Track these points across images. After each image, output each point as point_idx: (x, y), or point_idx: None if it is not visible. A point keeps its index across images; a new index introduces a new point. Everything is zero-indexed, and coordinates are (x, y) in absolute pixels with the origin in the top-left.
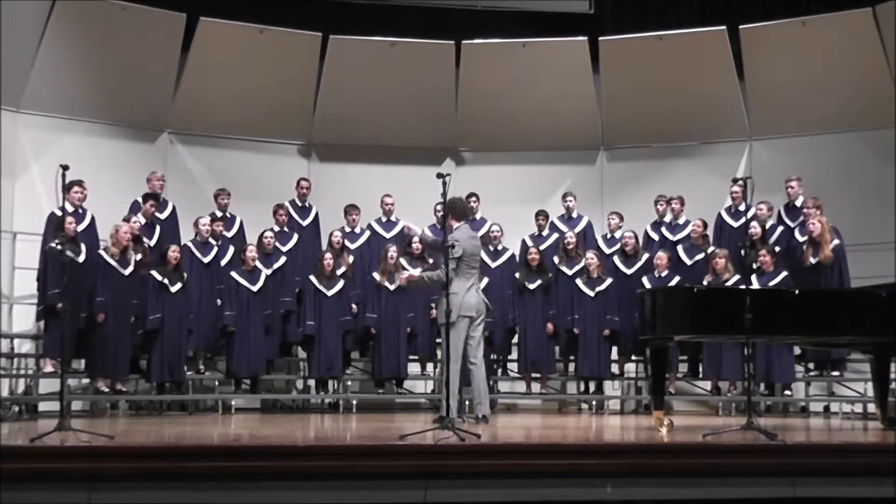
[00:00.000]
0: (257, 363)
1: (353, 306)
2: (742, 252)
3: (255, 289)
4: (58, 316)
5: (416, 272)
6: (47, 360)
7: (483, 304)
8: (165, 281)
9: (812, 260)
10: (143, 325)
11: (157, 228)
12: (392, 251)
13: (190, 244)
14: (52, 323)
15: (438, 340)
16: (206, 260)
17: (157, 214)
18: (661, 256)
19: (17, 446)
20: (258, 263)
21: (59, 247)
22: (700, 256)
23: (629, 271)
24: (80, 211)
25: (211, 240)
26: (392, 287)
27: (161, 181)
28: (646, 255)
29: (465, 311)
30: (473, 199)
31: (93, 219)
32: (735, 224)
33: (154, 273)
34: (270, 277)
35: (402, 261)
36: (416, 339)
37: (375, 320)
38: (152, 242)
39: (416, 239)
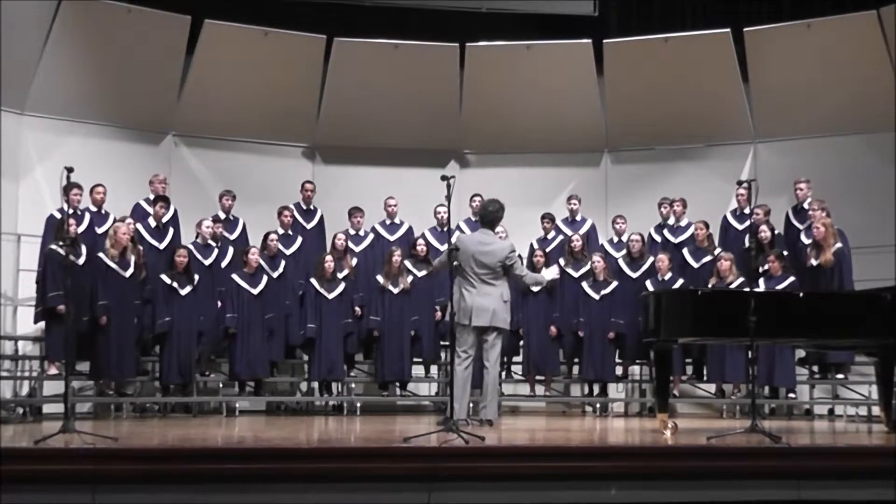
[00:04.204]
0: (259, 366)
1: (357, 309)
2: (751, 253)
3: (255, 292)
4: (58, 318)
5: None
6: (51, 362)
7: (487, 312)
8: (175, 284)
9: (813, 262)
10: (148, 328)
11: (170, 231)
12: (397, 254)
13: (191, 246)
14: (54, 325)
15: (443, 343)
16: (207, 262)
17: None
18: (663, 258)
19: (21, 448)
20: (263, 264)
21: (60, 248)
22: (707, 259)
23: (634, 274)
24: (79, 213)
25: (211, 242)
26: (396, 290)
27: (163, 184)
28: (651, 259)
29: (460, 316)
30: (478, 199)
31: (91, 221)
32: (740, 227)
33: (163, 276)
34: (273, 280)
35: (408, 263)
36: (420, 342)
37: (379, 323)
38: (162, 245)
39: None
